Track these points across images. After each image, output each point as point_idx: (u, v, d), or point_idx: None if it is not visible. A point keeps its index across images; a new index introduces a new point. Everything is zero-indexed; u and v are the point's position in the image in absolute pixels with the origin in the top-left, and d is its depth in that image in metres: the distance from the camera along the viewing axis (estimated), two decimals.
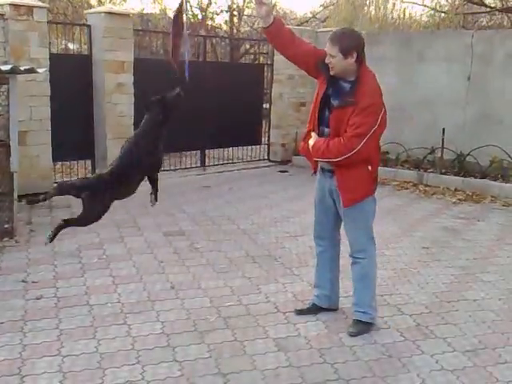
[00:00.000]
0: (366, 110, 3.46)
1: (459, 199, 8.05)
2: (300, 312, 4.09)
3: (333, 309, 4.12)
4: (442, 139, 8.89)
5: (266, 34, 3.77)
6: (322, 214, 3.96)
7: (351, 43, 3.50)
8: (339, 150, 3.52)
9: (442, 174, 8.83)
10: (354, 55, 3.50)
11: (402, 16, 10.99)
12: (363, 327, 3.85)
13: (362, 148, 3.49)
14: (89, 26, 8.26)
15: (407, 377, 3.32)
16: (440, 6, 12.48)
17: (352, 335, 3.78)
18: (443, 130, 8.87)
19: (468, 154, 8.83)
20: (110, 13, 8.17)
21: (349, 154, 3.50)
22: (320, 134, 3.69)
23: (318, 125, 3.71)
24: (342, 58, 3.49)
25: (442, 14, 12.07)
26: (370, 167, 3.67)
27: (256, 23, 18.39)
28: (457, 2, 14.10)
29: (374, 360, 3.49)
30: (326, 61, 3.55)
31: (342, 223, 3.93)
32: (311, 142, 3.68)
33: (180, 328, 3.82)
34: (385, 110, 3.57)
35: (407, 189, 8.70)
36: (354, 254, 3.87)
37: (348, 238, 3.90)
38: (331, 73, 3.58)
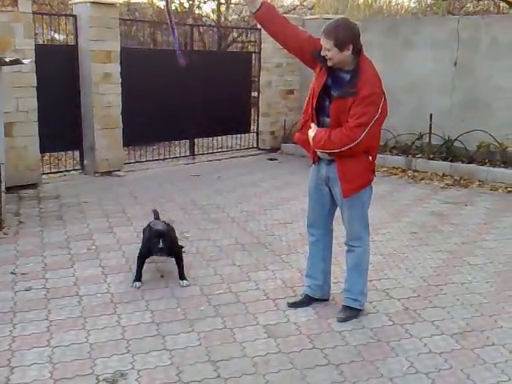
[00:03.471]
0: (367, 99, 3.44)
1: (447, 184, 8.10)
2: (293, 305, 4.05)
3: (324, 299, 4.11)
4: (430, 125, 8.92)
5: (255, 19, 3.74)
6: (316, 203, 3.94)
7: (346, 36, 3.46)
8: (342, 140, 3.50)
9: (429, 159, 8.88)
10: (350, 47, 3.46)
11: (388, 2, 10.97)
12: (352, 313, 3.88)
13: (365, 138, 3.48)
14: (74, 16, 8.19)
15: (396, 360, 3.35)
16: None
17: (340, 321, 3.81)
18: (431, 115, 8.91)
19: (455, 140, 8.87)
20: (95, 2, 8.08)
21: (351, 145, 3.49)
22: (320, 124, 3.67)
23: (318, 115, 3.67)
24: (337, 51, 3.46)
25: (429, 0, 12.08)
26: (370, 157, 3.66)
27: (244, 11, 18.30)
28: None
29: (362, 344, 3.52)
30: (322, 53, 3.52)
31: (337, 212, 3.93)
32: (311, 133, 3.65)
33: (170, 317, 3.84)
34: (385, 98, 3.55)
35: (396, 174, 8.74)
36: (350, 241, 3.87)
37: (345, 227, 3.89)
38: (329, 64, 3.55)
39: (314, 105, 3.66)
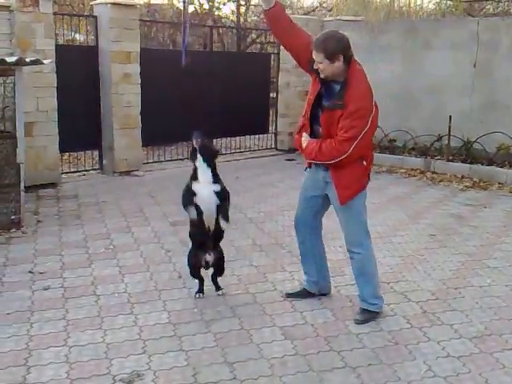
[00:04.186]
0: (355, 114, 3.46)
1: (466, 186, 8.01)
2: (290, 295, 4.16)
3: (324, 293, 4.17)
4: (449, 126, 8.84)
5: (266, 16, 3.77)
6: (305, 201, 3.98)
7: (336, 47, 3.48)
8: (331, 153, 3.56)
9: (448, 161, 8.79)
10: (341, 58, 3.48)
11: (408, 4, 10.87)
12: (369, 315, 3.86)
13: (354, 151, 3.51)
14: (95, 17, 8.25)
15: (414, 364, 3.32)
16: None
17: (358, 323, 3.79)
18: (450, 117, 8.82)
19: (475, 141, 8.78)
20: (116, 3, 8.14)
21: (341, 158, 3.54)
22: (314, 132, 3.72)
23: (312, 122, 3.72)
24: (328, 63, 3.48)
25: (449, 2, 11.94)
26: (364, 162, 3.68)
27: (263, 13, 18.28)
28: None
29: (380, 347, 3.49)
30: (315, 66, 3.55)
31: (326, 215, 3.99)
32: (303, 144, 3.71)
33: (186, 317, 3.84)
34: (376, 108, 3.54)
35: (414, 176, 8.67)
36: (350, 247, 3.86)
37: (343, 232, 3.89)
38: (321, 76, 3.58)
39: (309, 114, 3.71)
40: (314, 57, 3.53)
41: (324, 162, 3.65)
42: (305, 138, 3.72)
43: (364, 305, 3.89)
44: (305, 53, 3.65)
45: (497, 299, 4.23)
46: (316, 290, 4.15)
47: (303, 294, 4.15)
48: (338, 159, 3.55)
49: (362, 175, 3.72)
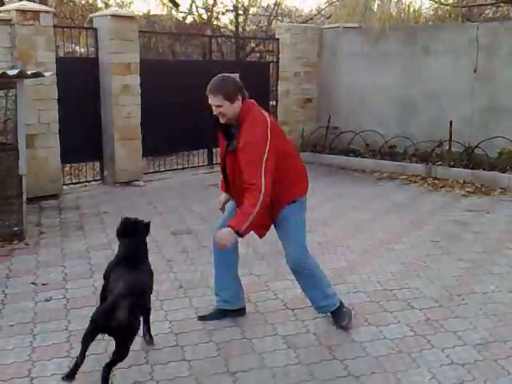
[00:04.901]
0: (245, 149, 3.43)
1: (468, 192, 8.00)
2: (202, 318, 3.96)
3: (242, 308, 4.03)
4: (450, 132, 8.84)
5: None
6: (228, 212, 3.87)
7: (233, 88, 3.51)
8: (253, 197, 3.36)
9: (450, 166, 8.78)
10: (239, 97, 3.51)
11: (406, 10, 10.90)
12: (340, 313, 3.83)
13: (266, 180, 3.38)
14: (95, 29, 8.29)
15: (418, 372, 3.30)
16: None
17: (344, 327, 3.77)
18: (451, 122, 8.83)
19: (476, 146, 8.77)
20: (115, 15, 8.20)
21: (262, 196, 3.35)
22: (228, 185, 3.73)
23: (226, 176, 3.73)
24: (228, 104, 3.49)
25: (447, 7, 11.97)
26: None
27: (261, 21, 18.37)
28: None
29: (383, 355, 3.48)
30: (215, 113, 3.54)
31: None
32: (229, 238, 3.46)
33: (188, 327, 3.83)
34: (270, 141, 3.45)
35: (416, 182, 8.66)
36: (292, 266, 3.79)
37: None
38: (222, 121, 3.57)
39: (222, 168, 3.74)
40: (211, 102, 3.52)
41: (256, 211, 3.37)
42: (224, 231, 3.47)
43: (324, 310, 3.86)
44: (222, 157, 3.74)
45: (501, 305, 4.21)
46: (238, 306, 4.00)
47: (219, 315, 3.96)
48: (261, 197, 3.36)
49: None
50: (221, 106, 3.50)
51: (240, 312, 4.00)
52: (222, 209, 3.96)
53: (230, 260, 3.96)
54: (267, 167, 3.41)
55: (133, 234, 3.59)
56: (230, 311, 3.96)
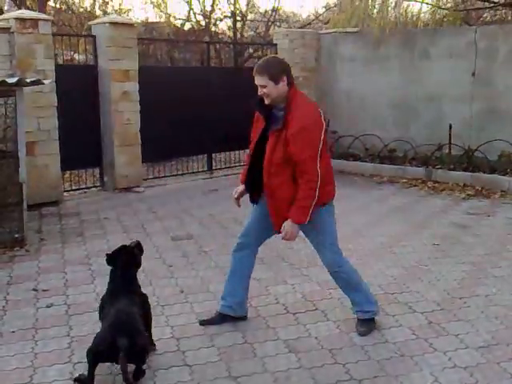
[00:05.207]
0: (301, 134, 3.41)
1: (468, 195, 8.00)
2: (204, 322, 3.96)
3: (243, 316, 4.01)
4: (449, 135, 8.86)
5: None
6: (255, 217, 3.88)
7: (279, 68, 3.51)
8: (309, 186, 3.42)
9: (450, 169, 8.79)
10: (285, 79, 3.50)
11: (404, 14, 10.93)
12: (370, 323, 3.83)
13: (321, 169, 3.43)
14: (94, 37, 8.31)
15: (420, 375, 3.29)
16: (443, 3, 12.43)
17: (362, 334, 3.76)
18: (450, 125, 8.85)
19: (476, 150, 8.78)
20: (114, 23, 8.23)
21: (317, 181, 3.42)
22: (254, 169, 3.68)
23: (255, 160, 3.67)
24: (273, 85, 3.48)
25: (445, 11, 12.01)
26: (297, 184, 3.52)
27: (259, 27, 18.42)
28: None
29: (386, 359, 3.47)
30: (259, 93, 3.54)
31: None
32: (292, 231, 3.53)
33: (190, 332, 3.82)
34: (324, 132, 3.47)
35: (416, 186, 8.66)
36: (328, 268, 3.81)
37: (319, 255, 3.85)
38: (266, 102, 3.56)
39: (252, 151, 3.70)
40: (257, 83, 3.52)
41: (315, 200, 3.46)
42: (288, 225, 3.54)
43: (358, 315, 3.86)
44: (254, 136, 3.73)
45: (503, 308, 4.20)
46: (240, 313, 3.98)
47: (219, 320, 3.95)
48: (318, 185, 3.42)
49: (291, 200, 3.52)
50: (265, 87, 3.49)
51: (241, 318, 3.99)
52: (238, 199, 3.91)
53: (247, 270, 3.97)
54: (321, 155, 3.44)
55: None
56: (231, 317, 3.95)
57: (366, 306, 3.84)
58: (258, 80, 3.51)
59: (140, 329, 3.18)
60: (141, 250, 3.67)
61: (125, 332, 3.01)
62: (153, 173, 9.39)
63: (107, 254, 3.52)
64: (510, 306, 4.23)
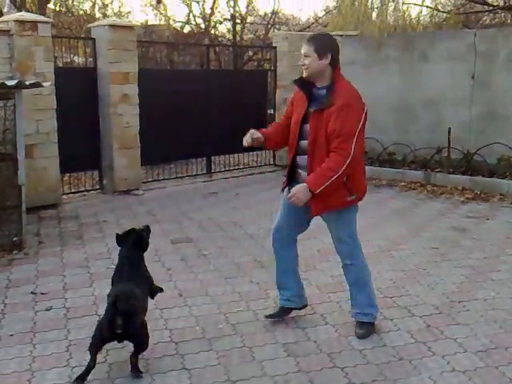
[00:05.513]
0: (345, 108, 3.42)
1: (467, 198, 8.00)
2: (270, 316, 4.03)
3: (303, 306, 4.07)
4: (449, 138, 8.86)
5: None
6: (286, 214, 3.90)
7: (326, 44, 3.53)
8: (336, 161, 3.42)
9: (449, 173, 8.79)
10: (329, 56, 3.50)
11: (403, 17, 10.96)
12: (368, 327, 3.82)
13: (356, 151, 3.43)
14: (93, 39, 8.32)
15: (419, 379, 3.29)
16: (442, 6, 12.48)
17: (361, 337, 3.76)
18: (449, 129, 8.85)
19: (475, 153, 8.78)
20: (113, 25, 8.22)
21: (347, 161, 3.40)
22: (299, 148, 3.66)
23: (299, 139, 3.66)
24: (316, 57, 3.49)
25: (445, 14, 12.05)
26: (344, 178, 3.53)
27: (259, 30, 18.45)
28: (459, 2, 14.06)
29: (384, 363, 3.46)
30: (300, 62, 3.56)
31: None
32: (305, 193, 3.49)
33: (188, 335, 3.82)
34: (365, 112, 3.50)
35: (415, 189, 8.66)
36: (342, 259, 3.84)
37: (334, 245, 3.88)
38: (304, 75, 3.57)
39: (296, 133, 3.66)
40: (302, 51, 3.52)
41: (336, 176, 3.43)
42: (300, 186, 3.53)
43: (358, 317, 3.85)
44: (287, 121, 3.77)
45: (501, 312, 4.20)
46: (300, 303, 4.04)
47: (282, 314, 4.02)
48: (347, 163, 3.40)
49: (340, 191, 3.56)
50: (308, 57, 3.50)
51: (302, 308, 4.04)
52: (248, 139, 3.85)
53: (287, 259, 3.98)
54: (358, 137, 3.43)
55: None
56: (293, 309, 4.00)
57: (367, 308, 3.84)
58: (304, 48, 3.52)
59: (135, 309, 3.26)
60: (148, 233, 3.85)
61: (120, 312, 3.13)
62: (152, 176, 9.38)
63: (117, 234, 3.71)
64: (509, 310, 4.23)
